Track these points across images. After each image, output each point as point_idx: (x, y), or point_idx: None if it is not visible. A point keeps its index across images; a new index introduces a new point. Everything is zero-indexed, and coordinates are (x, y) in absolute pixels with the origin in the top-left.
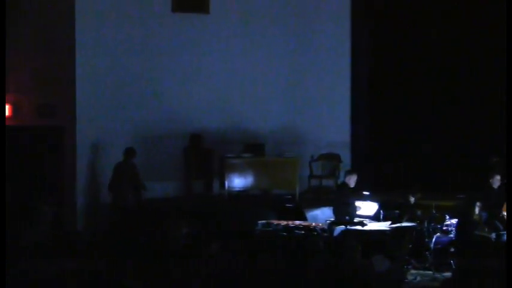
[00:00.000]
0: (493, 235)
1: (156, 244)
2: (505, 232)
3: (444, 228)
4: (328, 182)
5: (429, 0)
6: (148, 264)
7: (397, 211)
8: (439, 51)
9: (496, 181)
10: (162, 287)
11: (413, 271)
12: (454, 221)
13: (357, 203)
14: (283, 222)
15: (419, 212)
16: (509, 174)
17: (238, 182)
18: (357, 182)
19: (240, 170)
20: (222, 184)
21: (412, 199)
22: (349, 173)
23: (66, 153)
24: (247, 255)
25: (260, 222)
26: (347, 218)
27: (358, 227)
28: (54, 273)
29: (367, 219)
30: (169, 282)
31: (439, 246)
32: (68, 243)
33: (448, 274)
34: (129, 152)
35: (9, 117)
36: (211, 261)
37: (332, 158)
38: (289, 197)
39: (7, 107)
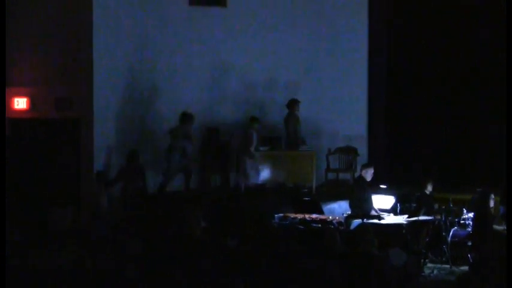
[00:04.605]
0: None
1: (173, 237)
2: None
3: (461, 221)
4: (345, 176)
5: None
6: (164, 256)
7: (414, 204)
8: (457, 42)
9: None
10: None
11: (430, 265)
12: (471, 214)
13: (374, 197)
14: (300, 216)
15: (436, 206)
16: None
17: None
18: (374, 176)
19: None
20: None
21: (429, 190)
22: (365, 166)
23: (83, 146)
24: (263, 248)
25: (277, 215)
26: (364, 211)
27: (375, 221)
28: (71, 263)
29: (384, 213)
30: (187, 275)
31: (456, 239)
32: (85, 234)
33: (465, 268)
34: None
35: (27, 110)
36: (228, 255)
37: (349, 152)
38: (306, 190)
39: (25, 100)
